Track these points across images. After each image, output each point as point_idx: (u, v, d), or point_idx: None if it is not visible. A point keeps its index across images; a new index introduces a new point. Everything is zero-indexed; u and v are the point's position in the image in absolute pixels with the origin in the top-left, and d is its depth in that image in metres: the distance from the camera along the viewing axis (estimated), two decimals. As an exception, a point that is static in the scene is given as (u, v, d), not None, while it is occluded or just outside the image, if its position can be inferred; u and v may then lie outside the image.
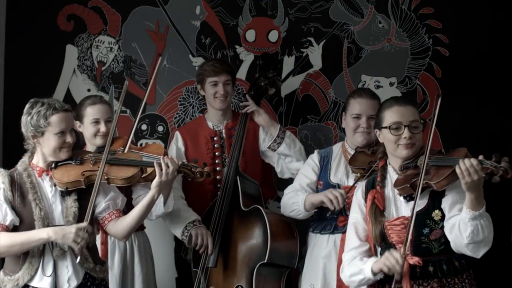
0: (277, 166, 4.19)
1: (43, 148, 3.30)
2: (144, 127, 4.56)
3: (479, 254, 3.03)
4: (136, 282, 3.90)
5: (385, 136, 3.19)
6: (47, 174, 3.31)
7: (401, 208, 3.16)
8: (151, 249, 4.04)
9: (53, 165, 3.32)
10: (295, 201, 3.82)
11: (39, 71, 4.54)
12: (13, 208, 3.23)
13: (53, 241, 3.19)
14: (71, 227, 3.17)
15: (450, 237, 3.06)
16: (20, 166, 3.33)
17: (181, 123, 4.52)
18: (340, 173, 3.82)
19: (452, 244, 3.06)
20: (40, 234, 3.18)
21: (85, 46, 4.57)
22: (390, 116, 3.17)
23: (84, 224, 3.19)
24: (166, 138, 4.51)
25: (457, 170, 2.94)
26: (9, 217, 3.20)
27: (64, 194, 3.29)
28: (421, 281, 3.10)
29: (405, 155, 3.15)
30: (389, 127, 3.15)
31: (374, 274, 3.09)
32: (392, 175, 3.21)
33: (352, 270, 3.18)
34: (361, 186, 3.30)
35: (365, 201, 3.23)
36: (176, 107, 4.58)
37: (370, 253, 3.21)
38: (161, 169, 3.33)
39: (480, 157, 2.95)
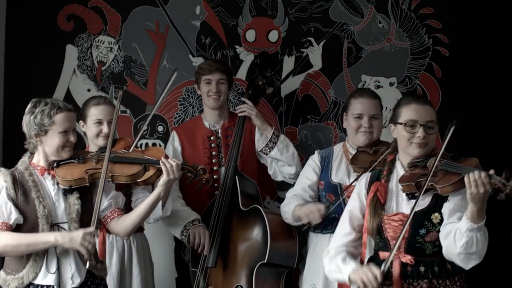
0: (270, 168, 4.19)
1: (46, 147, 3.31)
2: (144, 127, 4.55)
3: (468, 265, 3.02)
4: (134, 283, 3.89)
5: (399, 132, 3.18)
6: (49, 173, 3.32)
7: (401, 205, 3.16)
8: (150, 251, 4.04)
9: (54, 164, 3.33)
10: (287, 210, 3.85)
11: (39, 71, 4.54)
12: (16, 206, 3.24)
13: (60, 245, 3.20)
14: (78, 232, 3.19)
15: (443, 243, 3.05)
16: (20, 165, 3.34)
17: (181, 123, 4.52)
18: (341, 173, 3.82)
19: (444, 250, 3.05)
20: (47, 237, 3.19)
21: (85, 46, 4.57)
22: (407, 113, 3.16)
23: (91, 228, 3.20)
24: (166, 138, 4.51)
25: (465, 180, 2.93)
26: (13, 216, 3.21)
27: (67, 192, 3.30)
28: (411, 280, 3.09)
29: (417, 154, 3.13)
30: (405, 123, 3.14)
31: (350, 281, 3.08)
32: (399, 171, 3.20)
33: (332, 266, 3.17)
34: (365, 176, 3.29)
35: (367, 192, 3.22)
36: (176, 107, 4.58)
37: (359, 243, 3.21)
38: (167, 168, 3.36)
39: (491, 172, 2.94)
